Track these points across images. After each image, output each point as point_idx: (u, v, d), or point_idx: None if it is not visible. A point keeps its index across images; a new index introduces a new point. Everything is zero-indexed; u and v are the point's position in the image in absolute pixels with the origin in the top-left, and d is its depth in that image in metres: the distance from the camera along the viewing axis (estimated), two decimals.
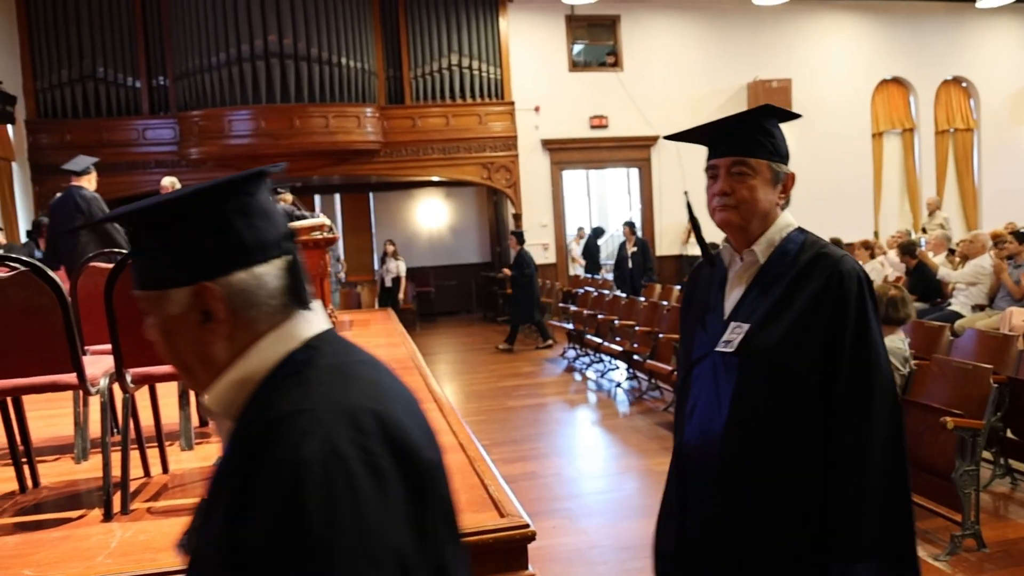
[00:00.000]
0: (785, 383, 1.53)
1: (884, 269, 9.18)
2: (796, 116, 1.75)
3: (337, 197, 15.40)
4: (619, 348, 8.04)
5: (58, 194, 6.61)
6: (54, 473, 3.23)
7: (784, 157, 1.65)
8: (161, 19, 11.44)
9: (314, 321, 0.94)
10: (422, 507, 0.85)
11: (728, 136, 1.64)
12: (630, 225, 11.16)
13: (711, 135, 1.68)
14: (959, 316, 7.22)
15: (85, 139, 11.09)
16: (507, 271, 11.31)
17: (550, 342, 10.67)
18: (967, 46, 14.40)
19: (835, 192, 13.54)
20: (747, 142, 1.62)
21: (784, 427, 1.53)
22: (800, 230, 1.67)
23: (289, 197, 8.85)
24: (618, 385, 8.17)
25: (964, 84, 14.68)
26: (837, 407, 1.51)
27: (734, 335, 1.59)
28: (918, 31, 14.14)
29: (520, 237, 11.12)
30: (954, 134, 14.69)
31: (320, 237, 7.69)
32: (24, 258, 2.50)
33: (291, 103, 10.99)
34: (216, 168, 11.50)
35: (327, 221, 7.98)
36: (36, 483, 3.06)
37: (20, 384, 2.62)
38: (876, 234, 13.16)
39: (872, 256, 9.07)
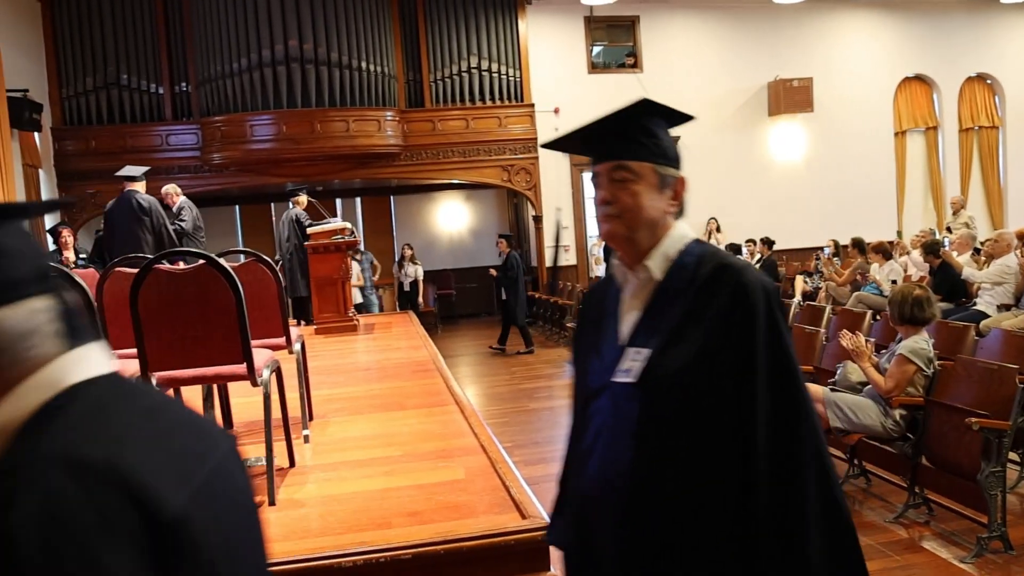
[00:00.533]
0: (694, 413, 1.36)
1: (908, 269, 9.09)
2: (687, 118, 1.54)
3: (358, 201, 15.47)
4: None
5: (111, 200, 6.74)
6: None
7: (672, 160, 1.47)
8: (183, 26, 11.57)
9: (87, 364, 0.83)
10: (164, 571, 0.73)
11: (607, 139, 1.47)
12: None
13: (589, 140, 1.51)
14: (984, 316, 7.13)
15: (110, 146, 11.25)
16: (493, 272, 11.28)
17: (531, 349, 10.44)
18: (991, 42, 14.23)
19: (858, 192, 13.46)
20: (627, 144, 1.45)
21: (696, 461, 1.36)
22: (698, 242, 1.48)
23: (304, 199, 8.91)
24: None
25: (989, 81, 14.50)
26: (760, 438, 1.33)
27: (633, 363, 1.41)
28: (941, 28, 14.00)
29: (509, 240, 11.10)
30: (979, 132, 14.51)
31: (341, 241, 7.79)
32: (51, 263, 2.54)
33: (312, 107, 11.07)
34: (238, 172, 11.63)
35: (348, 225, 8.06)
36: None
37: None
38: (899, 234, 13.03)
39: (888, 259, 8.97)
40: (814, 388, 4.52)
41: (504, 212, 15.13)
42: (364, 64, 11.35)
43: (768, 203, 13.18)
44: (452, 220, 15.15)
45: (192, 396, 3.54)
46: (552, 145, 1.62)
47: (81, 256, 8.18)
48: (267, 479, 2.75)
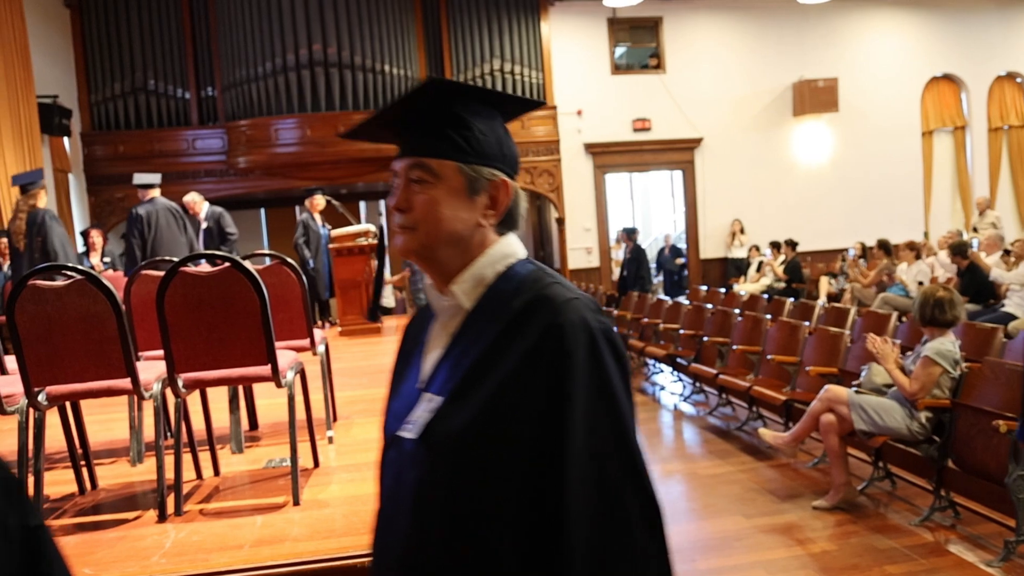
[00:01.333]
0: (478, 481, 1.06)
1: (935, 271, 8.98)
2: (524, 103, 1.24)
3: (382, 204, 15.57)
4: (663, 351, 8.00)
5: (137, 208, 6.80)
6: (111, 475, 3.34)
7: (489, 157, 1.14)
8: (209, 31, 11.71)
9: None
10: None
11: (408, 129, 1.16)
12: (627, 232, 10.95)
13: (393, 128, 1.19)
14: (1013, 318, 7.03)
15: (137, 150, 11.42)
16: None
17: None
18: (1021, 41, 14.01)
19: (884, 192, 13.31)
20: (426, 136, 1.15)
21: (481, 541, 1.06)
22: (528, 262, 1.18)
23: (321, 202, 8.94)
24: (663, 388, 8.12)
25: (1019, 80, 14.27)
26: (570, 531, 1.02)
27: (422, 413, 1.13)
28: (969, 26, 13.80)
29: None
30: (1008, 131, 14.29)
31: (365, 244, 7.85)
32: (80, 267, 2.60)
33: (336, 111, 11.16)
34: (263, 176, 11.75)
35: (372, 228, 8.11)
36: (94, 485, 3.17)
37: (78, 389, 2.72)
38: (926, 235, 12.87)
39: (919, 257, 8.87)
40: (838, 390, 4.49)
41: (527, 214, 15.14)
42: (387, 67, 11.42)
43: (793, 204, 13.08)
44: None
45: (219, 397, 3.60)
46: (352, 134, 1.27)
47: (105, 259, 8.31)
48: (292, 479, 2.78)
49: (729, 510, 4.55)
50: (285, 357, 2.91)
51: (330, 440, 3.62)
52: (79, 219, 10.97)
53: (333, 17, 11.00)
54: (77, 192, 11.20)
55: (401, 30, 11.62)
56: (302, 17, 10.93)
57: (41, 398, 2.72)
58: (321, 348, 3.68)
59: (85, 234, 8.44)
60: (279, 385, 2.77)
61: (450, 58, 12.30)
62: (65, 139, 10.64)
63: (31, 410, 2.72)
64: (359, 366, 6.02)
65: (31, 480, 2.70)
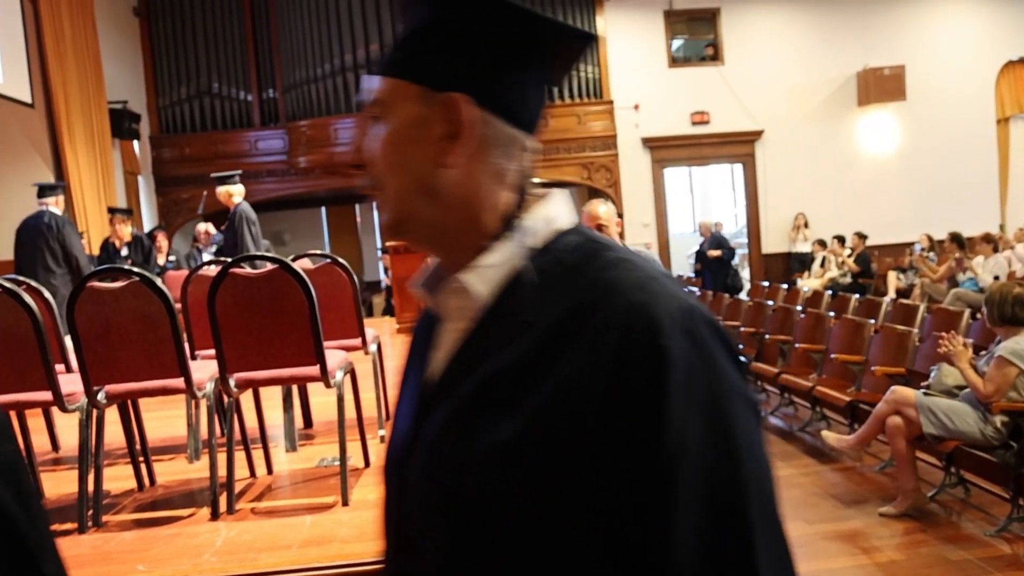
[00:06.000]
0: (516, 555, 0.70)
1: (1012, 265, 8.59)
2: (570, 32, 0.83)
3: None
4: None
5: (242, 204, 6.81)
6: (169, 472, 3.41)
7: (448, 80, 0.77)
8: (270, 35, 11.95)
9: None
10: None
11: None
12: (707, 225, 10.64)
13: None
14: None
15: (203, 152, 11.71)
16: None
17: None
18: None
19: (956, 184, 12.76)
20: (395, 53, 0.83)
21: None
22: (578, 231, 0.81)
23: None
24: None
25: None
26: None
27: (428, 433, 0.78)
28: None
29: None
30: None
31: None
32: (135, 269, 2.65)
33: None
34: (323, 175, 11.92)
35: None
36: (152, 481, 3.24)
37: (134, 388, 2.78)
38: (1002, 227, 12.33)
39: (996, 250, 8.49)
40: (906, 392, 4.31)
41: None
42: None
43: (857, 196, 12.64)
44: None
45: (274, 396, 3.64)
46: None
47: (171, 258, 8.53)
48: (340, 479, 2.79)
49: (790, 515, 4.36)
50: (335, 357, 2.92)
51: (382, 439, 3.63)
52: (148, 219, 11.30)
53: (389, 17, 11.09)
54: (146, 193, 11.54)
55: None
56: (359, 18, 11.05)
57: (100, 396, 2.79)
58: (373, 347, 3.69)
59: (151, 236, 8.68)
60: (328, 385, 2.78)
61: None
62: (135, 142, 10.97)
63: (92, 408, 2.80)
64: None
65: (91, 476, 2.77)
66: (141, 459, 3.17)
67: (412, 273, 3.76)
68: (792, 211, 12.56)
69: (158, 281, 2.60)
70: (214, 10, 11.85)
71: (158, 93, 11.85)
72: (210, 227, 9.02)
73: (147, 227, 11.01)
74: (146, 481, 3.20)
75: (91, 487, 2.75)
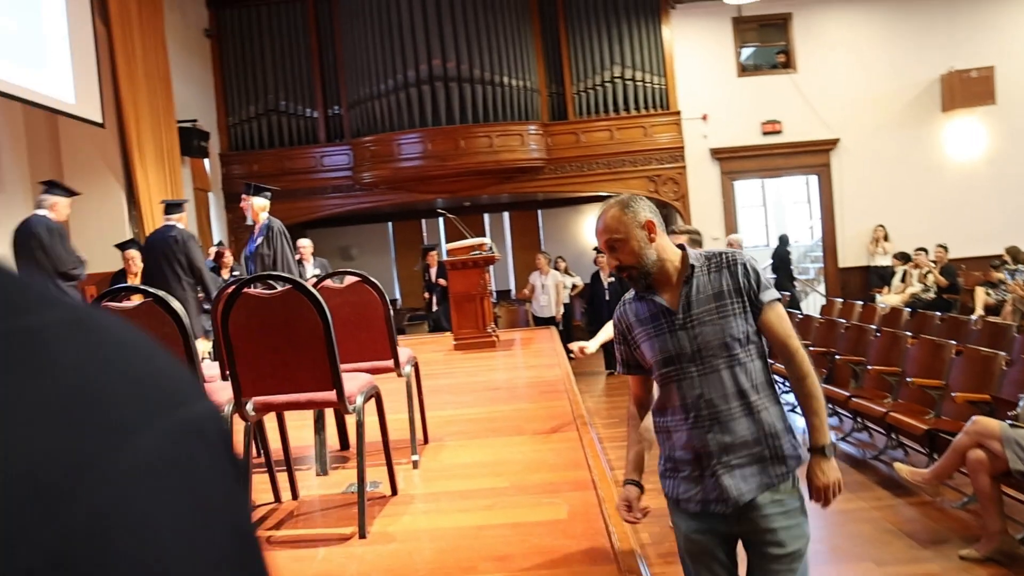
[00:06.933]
0: None
1: None
2: None
3: (506, 216, 15.59)
4: None
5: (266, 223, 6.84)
6: None
7: None
8: (335, 53, 12.09)
9: None
10: None
11: None
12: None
13: None
14: None
15: (271, 168, 11.91)
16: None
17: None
18: None
19: None
20: None
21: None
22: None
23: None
24: (792, 408, 7.53)
25: None
26: None
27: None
28: None
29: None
30: None
31: (479, 256, 7.76)
32: (147, 288, 2.56)
33: (456, 124, 11.22)
34: (388, 190, 11.97)
35: (486, 241, 8.02)
36: None
37: None
38: None
39: None
40: (990, 423, 3.93)
41: None
42: (506, 79, 11.37)
43: (942, 207, 11.93)
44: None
45: (306, 415, 3.54)
46: None
47: (235, 272, 8.61)
48: (358, 510, 2.64)
49: (858, 554, 4.03)
50: (356, 380, 2.78)
51: (415, 465, 3.48)
52: (217, 235, 11.53)
53: (452, 32, 11.08)
54: (216, 209, 11.79)
55: (519, 41, 11.56)
56: (421, 33, 11.06)
57: None
58: (408, 369, 3.54)
59: (218, 252, 8.82)
60: (346, 411, 2.64)
61: (569, 67, 12.11)
62: (206, 160, 11.22)
63: None
64: (466, 383, 5.90)
65: None
66: None
67: (471, 289, 3.65)
68: (871, 223, 11.96)
69: (173, 302, 2.51)
70: (281, 29, 12.07)
71: (228, 111, 12.11)
72: (305, 243, 9.09)
73: (215, 238, 11.25)
74: None
75: None
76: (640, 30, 12.01)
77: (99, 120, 8.05)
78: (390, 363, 3.40)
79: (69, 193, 6.24)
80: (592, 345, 3.47)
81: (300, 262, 9.30)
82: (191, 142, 10.40)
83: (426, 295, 10.83)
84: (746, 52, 12.52)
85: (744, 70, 12.36)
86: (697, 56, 12.09)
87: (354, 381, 2.74)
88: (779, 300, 2.00)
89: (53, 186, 6.16)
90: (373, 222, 14.62)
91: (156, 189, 9.22)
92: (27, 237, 5.88)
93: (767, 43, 12.52)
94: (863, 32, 12.13)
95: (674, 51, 12.08)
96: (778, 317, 1.99)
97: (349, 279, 3.53)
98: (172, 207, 6.79)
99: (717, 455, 1.93)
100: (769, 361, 2.04)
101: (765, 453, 1.93)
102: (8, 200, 7.96)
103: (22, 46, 6.75)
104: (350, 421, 3.89)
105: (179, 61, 10.39)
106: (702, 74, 12.09)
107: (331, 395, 2.57)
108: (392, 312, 3.47)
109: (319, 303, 2.47)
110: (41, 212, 5.97)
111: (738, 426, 1.92)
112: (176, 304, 2.42)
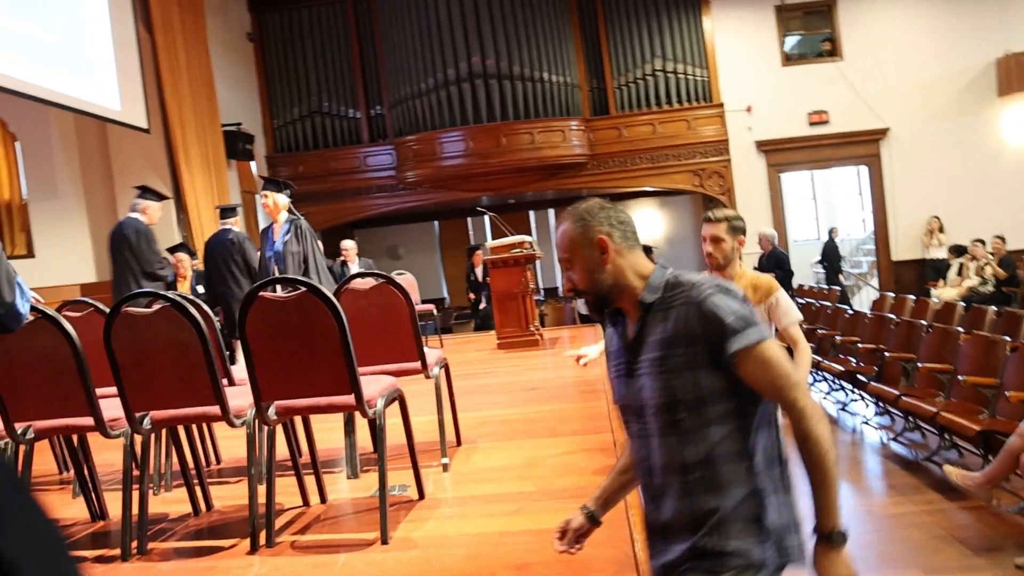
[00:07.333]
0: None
1: None
2: None
3: (551, 213, 15.51)
4: (841, 367, 7.22)
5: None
6: (230, 496, 3.34)
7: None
8: (376, 54, 12.16)
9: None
10: None
11: None
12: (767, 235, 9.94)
13: None
14: None
15: (315, 169, 12.05)
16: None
17: None
18: None
19: None
20: None
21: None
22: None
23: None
24: (843, 407, 7.33)
25: None
26: None
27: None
28: None
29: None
30: None
31: (520, 254, 7.71)
32: (166, 293, 2.57)
33: (497, 121, 11.18)
34: (431, 189, 12.00)
35: (528, 239, 7.96)
36: (209, 506, 3.18)
37: (175, 415, 2.71)
38: None
39: None
40: None
41: (699, 219, 14.46)
42: (547, 75, 11.30)
43: (1000, 196, 11.45)
44: (647, 228, 14.70)
45: (337, 416, 3.53)
46: None
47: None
48: (380, 516, 2.61)
49: (908, 561, 3.87)
50: (377, 384, 2.75)
51: (444, 468, 3.45)
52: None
53: (491, 29, 11.04)
54: (263, 212, 11.94)
55: (559, 37, 11.47)
56: (460, 32, 11.05)
57: (145, 423, 2.74)
58: (436, 370, 3.51)
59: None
60: (364, 415, 2.62)
61: (609, 61, 11.98)
62: (252, 163, 11.38)
63: (134, 435, 2.75)
64: (505, 382, 5.85)
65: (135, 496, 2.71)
66: (196, 483, 3.11)
67: (512, 287, 3.60)
68: (924, 215, 11.57)
69: (189, 305, 2.52)
70: (322, 32, 12.18)
71: (272, 114, 12.28)
72: (349, 244, 9.27)
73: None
74: (202, 506, 3.14)
75: (135, 512, 2.70)
76: (680, 21, 11.81)
77: (144, 126, 8.21)
78: (417, 365, 3.37)
79: (159, 197, 6.47)
80: (593, 352, 3.16)
81: (344, 263, 9.40)
82: (236, 145, 10.55)
83: (471, 296, 10.81)
84: (790, 41, 12.21)
85: (788, 59, 12.07)
86: (739, 46, 11.85)
87: (375, 384, 2.71)
88: (761, 341, 1.44)
89: (145, 191, 6.39)
90: (419, 221, 14.69)
91: (203, 193, 9.38)
92: (119, 239, 6.13)
93: (811, 31, 12.19)
94: (911, 16, 11.72)
95: (715, 42, 11.86)
96: (760, 365, 1.44)
97: (370, 280, 3.50)
98: (227, 211, 7.04)
99: (654, 535, 1.58)
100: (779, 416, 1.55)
101: (702, 544, 1.48)
102: (62, 206, 8.18)
103: (69, 55, 6.92)
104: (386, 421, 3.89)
105: (222, 65, 10.55)
106: (745, 65, 11.84)
107: (349, 399, 2.55)
108: (437, 311, 3.45)
109: (335, 307, 2.44)
110: (133, 215, 6.20)
111: (669, 506, 1.52)
112: (192, 309, 2.42)
